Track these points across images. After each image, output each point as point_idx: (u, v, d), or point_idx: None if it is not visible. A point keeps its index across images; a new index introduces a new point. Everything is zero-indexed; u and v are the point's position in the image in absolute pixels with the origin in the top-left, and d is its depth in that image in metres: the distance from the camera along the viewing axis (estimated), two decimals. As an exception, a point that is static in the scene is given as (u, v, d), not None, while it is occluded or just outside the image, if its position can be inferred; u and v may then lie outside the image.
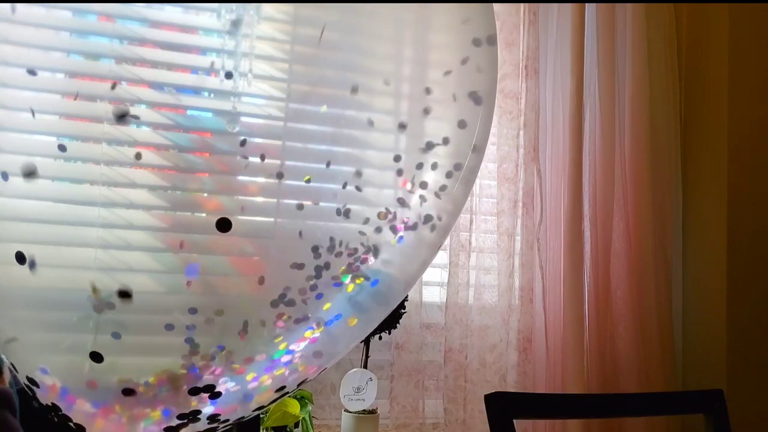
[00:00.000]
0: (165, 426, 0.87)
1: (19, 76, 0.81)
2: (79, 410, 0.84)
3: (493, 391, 1.12)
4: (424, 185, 0.97)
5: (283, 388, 0.96)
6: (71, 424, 0.86)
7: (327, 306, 0.94)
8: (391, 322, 1.48)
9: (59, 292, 0.83)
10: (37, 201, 0.82)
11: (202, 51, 0.87)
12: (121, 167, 0.83)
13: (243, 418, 0.95)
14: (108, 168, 0.82)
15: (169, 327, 0.85)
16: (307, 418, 1.43)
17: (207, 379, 0.87)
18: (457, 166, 0.98)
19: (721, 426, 1.17)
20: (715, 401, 1.19)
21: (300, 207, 0.90)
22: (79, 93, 0.81)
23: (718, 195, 1.67)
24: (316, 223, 0.91)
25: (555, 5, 1.69)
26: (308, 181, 0.90)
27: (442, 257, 1.66)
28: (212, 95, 0.88)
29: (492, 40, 0.99)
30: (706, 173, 1.72)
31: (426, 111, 0.96)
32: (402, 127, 0.95)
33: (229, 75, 0.86)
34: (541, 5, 1.71)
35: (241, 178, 0.88)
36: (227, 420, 0.93)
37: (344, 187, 0.91)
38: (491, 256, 1.65)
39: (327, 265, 0.92)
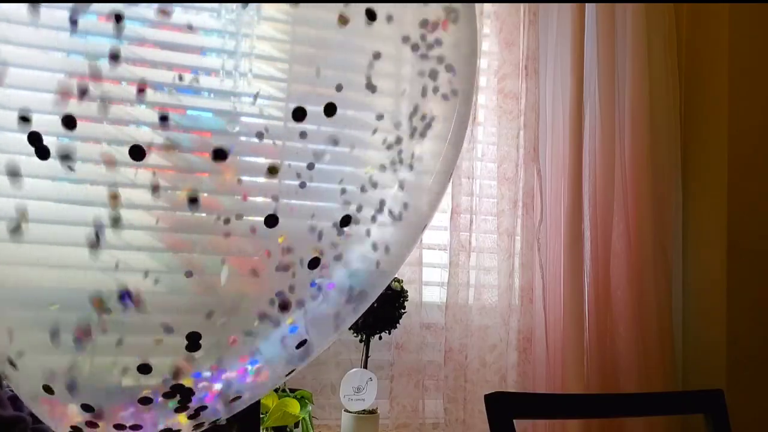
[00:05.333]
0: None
1: (18, 76, 0.81)
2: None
3: (493, 391, 1.12)
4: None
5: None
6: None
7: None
8: (391, 322, 1.48)
9: (59, 292, 0.83)
10: (36, 201, 0.82)
11: (203, 51, 0.87)
12: (120, 167, 0.83)
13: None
14: (108, 168, 0.82)
15: (168, 329, 0.85)
16: (307, 418, 1.43)
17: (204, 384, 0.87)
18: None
19: (721, 426, 1.17)
20: (715, 401, 1.19)
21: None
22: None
23: (718, 195, 1.67)
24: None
25: (555, 5, 1.69)
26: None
27: (442, 257, 1.67)
28: (212, 95, 0.88)
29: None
30: (706, 173, 1.72)
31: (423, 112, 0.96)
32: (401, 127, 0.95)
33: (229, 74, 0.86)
34: (541, 5, 1.71)
35: (240, 178, 0.88)
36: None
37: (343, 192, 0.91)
38: (491, 256, 1.65)
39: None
